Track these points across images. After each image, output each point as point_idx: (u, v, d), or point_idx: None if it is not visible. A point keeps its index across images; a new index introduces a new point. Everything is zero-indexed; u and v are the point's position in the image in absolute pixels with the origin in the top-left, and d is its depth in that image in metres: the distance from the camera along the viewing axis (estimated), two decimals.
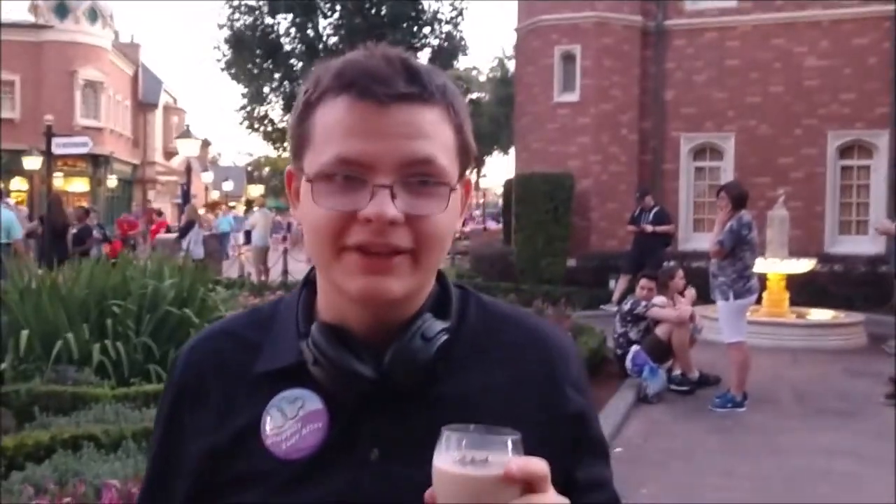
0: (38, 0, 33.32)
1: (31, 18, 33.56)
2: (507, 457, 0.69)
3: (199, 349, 0.98)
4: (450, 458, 0.69)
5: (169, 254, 8.42)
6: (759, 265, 8.27)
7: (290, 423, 0.88)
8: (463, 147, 0.88)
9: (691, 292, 8.11)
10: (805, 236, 13.51)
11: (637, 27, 15.16)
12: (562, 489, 0.76)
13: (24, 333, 5.28)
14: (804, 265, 10.57)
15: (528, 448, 0.72)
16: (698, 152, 15.48)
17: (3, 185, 27.55)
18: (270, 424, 0.88)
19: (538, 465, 0.70)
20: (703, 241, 10.92)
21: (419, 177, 0.83)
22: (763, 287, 9.65)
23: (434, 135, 0.84)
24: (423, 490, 0.72)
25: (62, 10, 33.05)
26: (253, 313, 1.01)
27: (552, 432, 0.89)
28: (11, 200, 24.65)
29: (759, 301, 9.75)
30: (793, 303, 10.60)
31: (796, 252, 11.05)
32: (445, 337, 0.87)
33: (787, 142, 14.55)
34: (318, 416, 0.88)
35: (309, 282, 0.96)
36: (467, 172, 0.91)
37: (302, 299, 0.94)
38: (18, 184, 31.78)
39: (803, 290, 10.91)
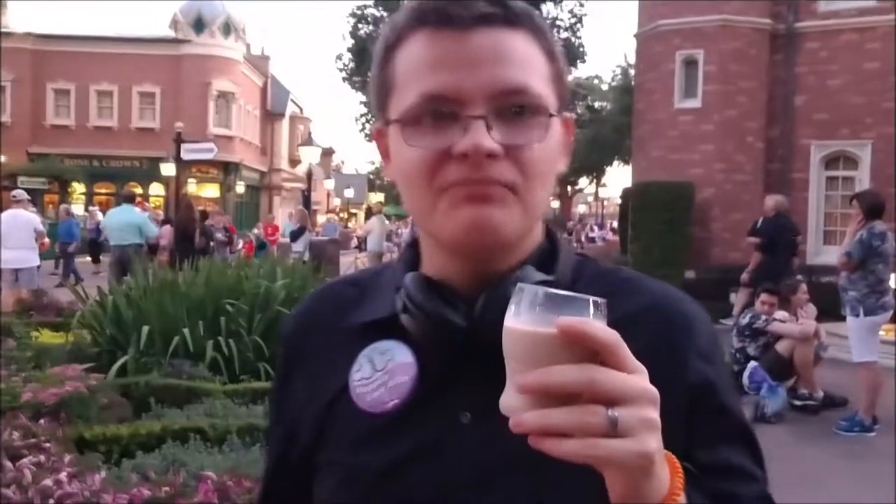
0: (179, 16, 35.36)
1: (171, 33, 35.66)
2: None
3: (302, 309, 0.99)
4: (518, 314, 0.62)
5: (282, 256, 8.69)
6: None
7: (378, 374, 0.85)
8: (557, 75, 0.82)
9: (811, 308, 7.65)
10: None
11: (766, 30, 14.55)
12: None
13: (146, 329, 5.54)
14: None
15: None
16: (831, 161, 14.67)
17: (140, 190, 29.33)
18: (358, 375, 0.86)
19: (601, 331, 0.60)
20: (833, 255, 10.29)
21: (514, 106, 0.76)
22: None
23: (525, 59, 0.78)
24: (521, 454, 0.63)
25: (199, 25, 34.96)
26: (357, 273, 1.01)
27: (671, 405, 0.72)
28: (149, 206, 26.27)
29: (894, 319, 9.13)
30: None
31: None
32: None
33: None
34: (407, 369, 0.83)
35: (415, 242, 0.92)
36: (566, 109, 0.84)
37: (405, 257, 0.91)
38: (157, 189, 33.79)
39: None
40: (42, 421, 3.77)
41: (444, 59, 0.76)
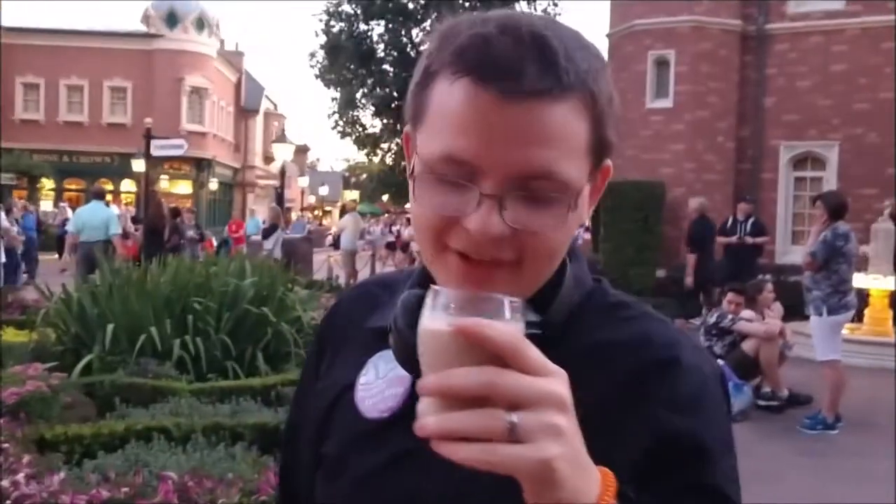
0: (151, 10, 34.99)
1: (143, 28, 35.27)
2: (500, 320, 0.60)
3: (341, 301, 1.04)
4: (430, 316, 0.62)
5: (253, 254, 8.63)
6: (861, 280, 7.85)
7: (379, 382, 0.87)
8: (599, 141, 0.77)
9: (778, 307, 7.75)
10: None
11: (736, 31, 14.71)
12: None
13: (110, 327, 5.47)
14: None
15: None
16: (799, 161, 14.87)
17: (111, 187, 28.96)
18: (363, 379, 0.89)
19: (499, 332, 0.58)
20: (801, 255, 10.45)
21: (533, 189, 0.72)
22: (865, 304, 9.15)
23: (561, 137, 0.72)
24: (483, 479, 0.60)
25: (172, 20, 34.61)
26: (392, 273, 1.04)
27: (622, 452, 0.72)
28: (122, 204, 25.90)
29: (860, 319, 9.27)
30: None
31: None
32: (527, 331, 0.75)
33: None
34: (403, 381, 0.85)
35: None
36: (606, 161, 0.82)
37: (422, 267, 0.90)
38: (128, 185, 33.43)
39: None
40: (1, 420, 3.72)
41: (475, 123, 0.71)
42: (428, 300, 0.63)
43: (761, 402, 7.12)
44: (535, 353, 0.59)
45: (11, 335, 6.52)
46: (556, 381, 0.59)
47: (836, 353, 6.57)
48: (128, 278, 6.03)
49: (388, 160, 28.91)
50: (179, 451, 3.82)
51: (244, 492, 2.91)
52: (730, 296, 7.63)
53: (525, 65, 0.70)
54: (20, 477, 2.84)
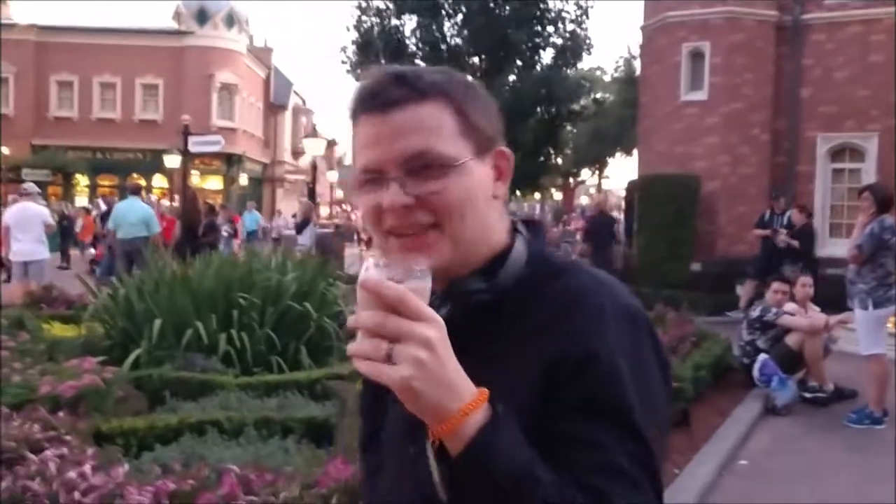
0: (182, 7, 35.27)
1: (174, 25, 35.57)
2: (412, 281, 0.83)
3: None
4: (361, 275, 0.84)
5: (287, 249, 8.68)
6: None
7: None
8: (468, 126, 0.99)
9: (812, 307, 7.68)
10: None
11: (772, 22, 14.50)
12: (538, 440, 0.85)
13: (157, 322, 5.54)
14: None
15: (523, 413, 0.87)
16: (837, 153, 14.64)
17: (144, 182, 29.30)
18: None
19: (388, 288, 0.81)
20: (840, 248, 10.30)
21: (419, 166, 0.96)
22: None
23: (427, 126, 0.96)
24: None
25: (202, 17, 34.86)
26: None
27: (532, 376, 0.92)
28: (154, 197, 26.21)
29: None
30: None
31: None
32: (481, 297, 0.98)
33: None
34: None
35: None
36: (497, 146, 1.03)
37: None
38: (159, 181, 33.78)
39: None
40: (60, 413, 3.79)
41: (369, 139, 0.98)
42: (365, 264, 0.86)
43: (807, 395, 7.04)
44: (415, 304, 0.81)
45: (59, 329, 6.64)
46: (427, 325, 0.81)
47: (882, 346, 6.48)
48: (172, 274, 6.10)
49: None
50: (233, 445, 3.87)
51: (304, 485, 2.95)
52: (775, 285, 7.55)
53: (386, 88, 0.98)
54: (87, 468, 2.90)
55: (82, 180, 34.58)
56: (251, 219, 22.55)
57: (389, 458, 1.05)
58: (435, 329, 0.81)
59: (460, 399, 0.82)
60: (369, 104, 0.99)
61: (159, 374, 5.04)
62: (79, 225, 21.11)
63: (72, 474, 2.85)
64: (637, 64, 36.23)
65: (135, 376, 5.00)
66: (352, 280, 10.18)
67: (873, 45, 14.01)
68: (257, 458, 3.42)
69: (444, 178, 0.96)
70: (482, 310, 0.97)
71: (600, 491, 0.85)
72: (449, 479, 0.84)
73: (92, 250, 18.95)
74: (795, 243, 11.27)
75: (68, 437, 3.36)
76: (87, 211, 22.38)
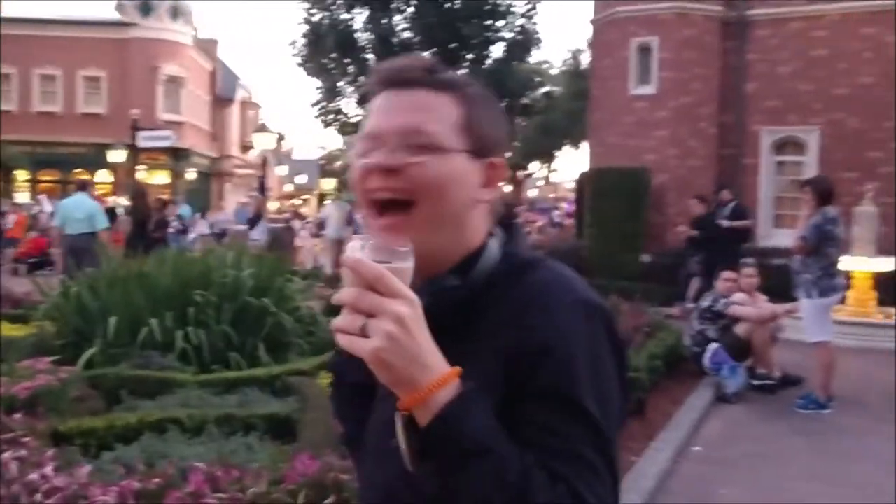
0: None
1: (117, 16, 34.75)
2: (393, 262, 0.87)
3: None
4: (348, 254, 0.88)
5: (240, 243, 8.58)
6: (845, 263, 7.98)
7: None
8: (471, 126, 1.04)
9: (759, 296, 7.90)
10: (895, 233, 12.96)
11: (718, 17, 14.80)
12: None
13: (113, 320, 5.45)
14: (892, 263, 10.13)
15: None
16: (780, 146, 15.03)
17: (88, 177, 28.60)
18: None
19: (367, 267, 0.85)
20: (784, 238, 10.60)
21: (413, 141, 1.00)
22: (849, 286, 9.31)
23: (430, 109, 1.03)
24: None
25: (146, 8, 34.09)
26: None
27: (496, 366, 0.95)
28: (96, 194, 25.53)
29: (843, 300, 9.43)
30: (880, 302, 10.18)
31: (885, 250, 10.61)
32: (456, 294, 1.01)
33: (878, 135, 13.96)
34: None
35: None
36: (489, 155, 1.05)
37: None
38: (104, 176, 33.00)
39: (892, 290, 10.46)
40: (17, 415, 3.71)
41: (379, 109, 1.06)
42: (352, 244, 0.89)
43: (755, 382, 7.23)
44: (391, 282, 0.85)
45: (7, 329, 6.46)
46: (401, 303, 0.85)
47: (827, 334, 6.69)
48: (128, 272, 6.00)
49: None
50: (196, 443, 3.84)
51: (271, 481, 2.94)
52: (725, 274, 7.74)
53: (410, 70, 1.06)
54: (48, 470, 2.85)
55: (22, 176, 33.59)
56: (185, 213, 22.24)
57: (372, 449, 1.08)
58: (408, 306, 0.85)
59: (431, 373, 0.86)
60: (390, 80, 1.07)
61: (116, 372, 4.95)
62: (11, 221, 20.48)
63: (33, 476, 2.80)
64: (584, 57, 36.58)
65: (90, 375, 4.91)
66: (306, 276, 10.16)
67: (816, 40, 14.40)
68: (221, 455, 3.39)
69: (431, 153, 1.00)
70: (456, 306, 1.00)
71: (561, 475, 0.89)
72: (418, 451, 0.87)
73: (11, 250, 18.22)
74: (695, 233, 11.66)
75: (26, 439, 3.30)
76: (19, 207, 21.70)
